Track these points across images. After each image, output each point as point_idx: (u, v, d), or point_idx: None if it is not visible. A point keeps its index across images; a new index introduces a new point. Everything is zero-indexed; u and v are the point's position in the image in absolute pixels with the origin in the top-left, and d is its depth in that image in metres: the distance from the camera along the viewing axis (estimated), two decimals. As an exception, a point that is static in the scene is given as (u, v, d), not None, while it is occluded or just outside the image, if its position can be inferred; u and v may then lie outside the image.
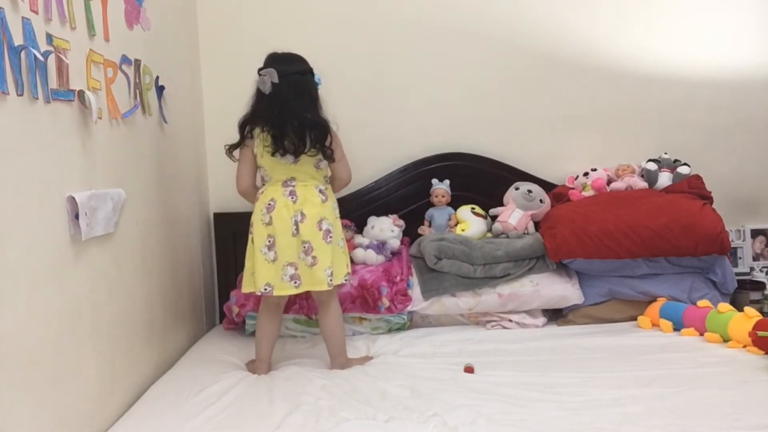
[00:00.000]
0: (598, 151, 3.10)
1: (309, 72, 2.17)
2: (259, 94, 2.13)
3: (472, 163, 3.04)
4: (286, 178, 2.15)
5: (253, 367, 2.20)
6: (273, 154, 2.11)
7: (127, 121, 2.04)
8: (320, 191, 2.16)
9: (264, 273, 2.10)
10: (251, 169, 2.21)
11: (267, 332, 2.21)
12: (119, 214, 1.92)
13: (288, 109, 2.08)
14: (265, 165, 2.16)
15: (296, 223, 2.10)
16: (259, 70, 2.13)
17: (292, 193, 2.13)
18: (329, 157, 2.16)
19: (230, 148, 2.20)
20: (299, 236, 2.10)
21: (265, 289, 2.10)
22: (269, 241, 2.10)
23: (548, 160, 3.11)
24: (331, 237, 2.13)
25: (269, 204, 2.12)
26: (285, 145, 2.09)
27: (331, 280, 2.12)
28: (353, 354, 2.31)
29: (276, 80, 2.07)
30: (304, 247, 2.10)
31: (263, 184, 2.21)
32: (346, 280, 2.21)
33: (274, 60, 2.14)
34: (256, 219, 2.14)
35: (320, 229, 2.11)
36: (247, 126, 2.15)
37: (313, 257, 2.10)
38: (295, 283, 2.11)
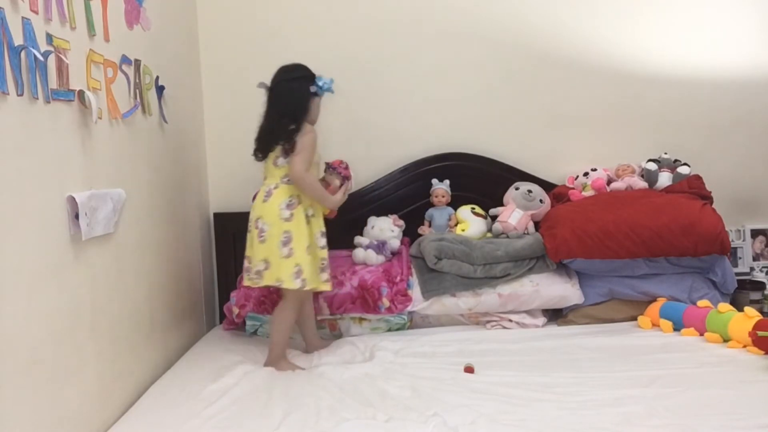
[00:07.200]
0: (598, 151, 3.10)
1: (300, 78, 2.23)
2: None
3: (472, 163, 3.04)
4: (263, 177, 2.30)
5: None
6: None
7: (127, 121, 2.04)
8: (268, 191, 2.22)
9: None
10: None
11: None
12: (119, 214, 1.92)
13: (267, 114, 2.24)
14: None
15: (250, 221, 2.25)
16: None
17: (257, 193, 2.26)
18: (286, 151, 2.19)
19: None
20: (250, 233, 2.26)
21: None
22: None
23: (548, 160, 3.11)
24: (263, 236, 2.17)
25: None
26: (258, 146, 2.26)
27: (258, 279, 2.18)
28: (352, 356, 2.31)
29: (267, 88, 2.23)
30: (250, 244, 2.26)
31: None
32: (278, 282, 2.15)
33: (277, 71, 2.26)
34: None
35: (255, 228, 2.20)
36: None
37: (249, 254, 2.24)
38: (248, 275, 2.25)
